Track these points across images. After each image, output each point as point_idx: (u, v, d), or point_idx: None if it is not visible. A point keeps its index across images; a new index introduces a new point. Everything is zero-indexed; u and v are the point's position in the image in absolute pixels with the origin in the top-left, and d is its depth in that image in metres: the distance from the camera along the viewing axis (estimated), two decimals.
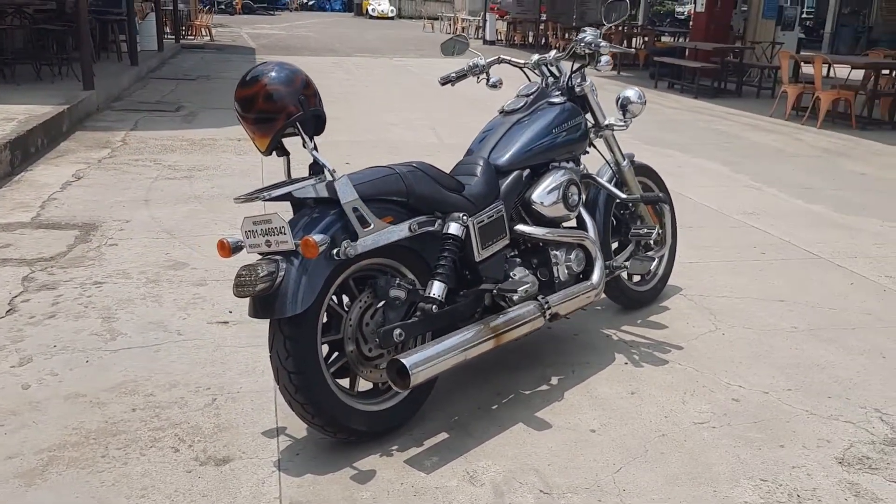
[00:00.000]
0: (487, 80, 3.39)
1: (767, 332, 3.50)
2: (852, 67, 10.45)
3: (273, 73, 2.31)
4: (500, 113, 3.21)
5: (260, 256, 2.38)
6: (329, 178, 2.39)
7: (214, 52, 17.60)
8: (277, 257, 2.32)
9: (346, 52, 19.08)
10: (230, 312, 3.55)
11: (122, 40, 13.01)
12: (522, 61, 3.38)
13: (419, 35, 28.52)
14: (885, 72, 10.12)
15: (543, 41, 21.83)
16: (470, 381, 2.97)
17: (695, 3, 16.15)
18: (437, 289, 2.56)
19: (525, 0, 25.22)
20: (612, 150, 3.43)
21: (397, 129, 8.56)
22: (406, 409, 2.64)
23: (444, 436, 2.63)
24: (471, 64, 3.35)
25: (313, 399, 2.37)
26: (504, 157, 2.96)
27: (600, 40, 3.13)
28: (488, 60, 3.37)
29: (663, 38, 19.62)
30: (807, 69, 11.65)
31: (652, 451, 2.56)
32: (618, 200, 3.37)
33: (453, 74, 3.38)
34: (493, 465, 2.46)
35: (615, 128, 3.35)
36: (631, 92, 3.34)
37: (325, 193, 2.39)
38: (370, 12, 41.54)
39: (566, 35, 20.75)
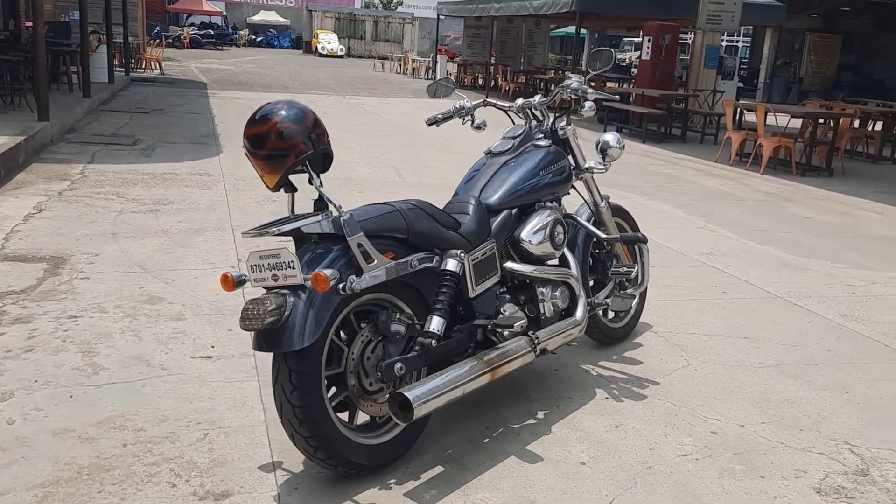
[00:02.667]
0: (472, 121, 3.50)
1: (736, 368, 3.65)
2: (791, 116, 10.95)
3: (284, 112, 2.37)
4: (487, 154, 3.32)
5: (265, 291, 2.42)
6: (335, 214, 2.44)
7: (165, 85, 17.46)
8: (284, 291, 2.35)
9: (299, 89, 19.14)
10: (212, 347, 3.54)
11: (73, 72, 12.85)
12: (507, 104, 3.51)
13: (370, 74, 28.78)
14: (822, 121, 10.64)
15: (493, 83, 22.26)
16: (460, 416, 3.02)
17: (641, 51, 16.76)
18: (436, 324, 2.63)
19: (475, 43, 25.73)
20: (591, 192, 3.57)
21: (359, 167, 8.63)
22: (403, 443, 2.68)
23: (440, 469, 2.67)
24: (457, 106, 3.46)
25: (317, 432, 2.39)
26: (494, 197, 3.07)
27: (587, 87, 3.29)
28: (474, 103, 3.48)
29: (609, 84, 20.25)
30: (749, 117, 12.17)
31: (641, 483, 2.64)
32: (596, 239, 3.50)
33: (440, 116, 3.48)
34: (490, 498, 2.51)
35: (595, 171, 3.49)
36: (610, 136, 3.49)
37: (330, 229, 2.44)
38: (319, 50, 41.73)
39: (515, 78, 21.27)
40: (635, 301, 3.60)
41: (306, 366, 2.36)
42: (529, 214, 3.16)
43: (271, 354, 2.40)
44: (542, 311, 3.11)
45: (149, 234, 5.23)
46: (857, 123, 11.88)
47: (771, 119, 10.25)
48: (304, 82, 21.99)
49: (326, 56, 41.53)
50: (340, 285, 2.38)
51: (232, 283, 2.46)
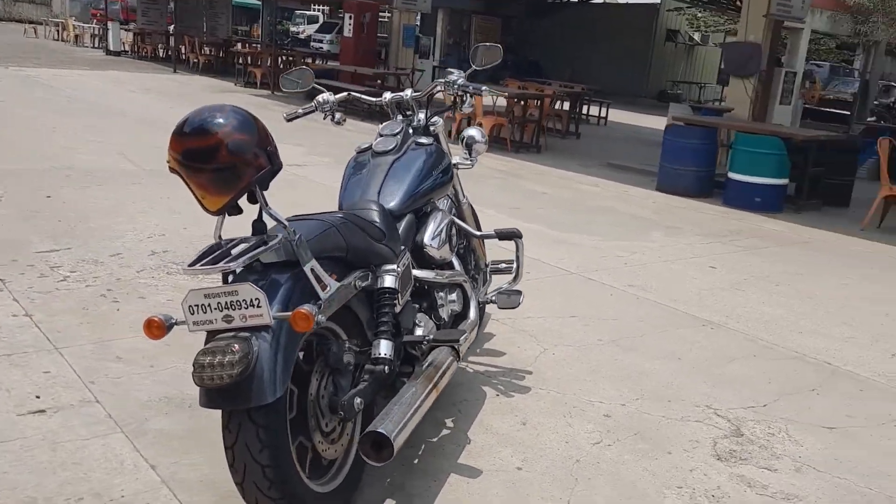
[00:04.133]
0: (333, 117, 3.24)
1: (584, 348, 3.88)
2: (507, 97, 11.78)
3: (228, 120, 1.97)
4: (361, 153, 3.09)
5: (205, 335, 2.02)
6: (285, 237, 2.11)
7: None
8: (245, 334, 1.99)
9: None
10: (38, 398, 2.89)
11: None
12: (374, 99, 3.29)
13: (23, 41, 25.14)
14: (524, 102, 11.62)
15: (178, 55, 20.73)
16: None
17: (342, 27, 16.78)
18: (385, 348, 2.41)
19: (151, 11, 23.73)
20: (455, 188, 3.51)
21: (79, 154, 7.54)
22: (354, 482, 2.44)
23: (391, 502, 2.48)
24: (320, 100, 3.17)
25: (288, 492, 2.07)
26: (395, 202, 2.87)
27: (482, 86, 3.20)
28: (338, 97, 3.22)
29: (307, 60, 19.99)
30: None
31: (581, 479, 2.70)
32: (475, 237, 3.46)
33: (300, 111, 3.16)
34: None
35: (461, 166, 3.43)
36: (475, 132, 3.44)
37: (284, 256, 2.11)
38: None
39: (203, 50, 20.04)
40: (521, 297, 3.61)
41: (274, 419, 2.03)
42: (425, 218, 3.02)
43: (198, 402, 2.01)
44: (442, 317, 3.01)
45: None
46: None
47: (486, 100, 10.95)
48: None
49: None
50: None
51: (162, 327, 2.03)
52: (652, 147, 13.20)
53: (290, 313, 1.98)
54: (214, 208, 2.00)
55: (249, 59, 17.86)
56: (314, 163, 8.53)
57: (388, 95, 3.26)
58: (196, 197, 2.00)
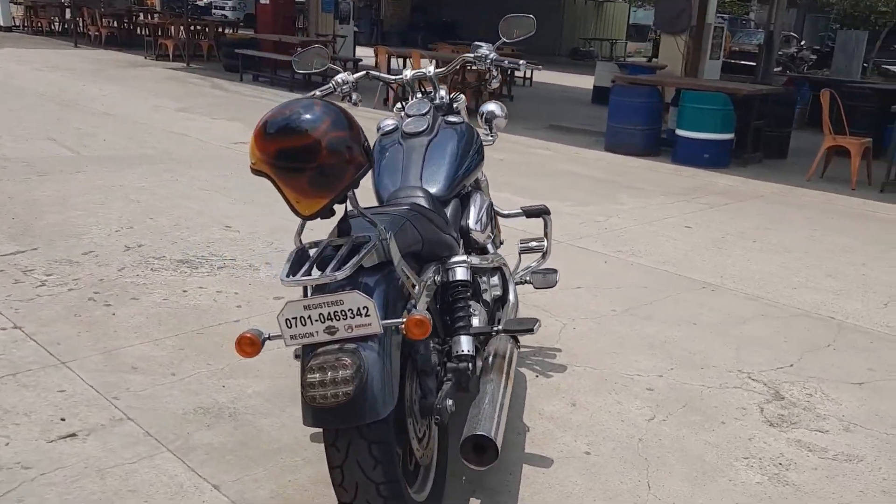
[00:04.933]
0: (351, 97, 3.04)
1: (602, 320, 3.85)
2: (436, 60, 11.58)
3: (326, 116, 1.79)
4: (386, 134, 2.92)
5: (300, 349, 1.87)
6: (381, 237, 1.95)
7: None
8: (352, 345, 1.83)
9: None
10: (63, 420, 2.64)
11: None
12: (394, 77, 3.11)
13: None
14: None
15: (77, 28, 19.47)
16: None
17: None
18: (466, 344, 2.30)
19: None
20: None
21: (4, 141, 6.99)
22: (441, 488, 2.32)
23: (476, 502, 2.38)
24: (339, 80, 2.97)
25: None
26: (440, 186, 2.72)
27: (519, 60, 3.04)
28: (356, 76, 3.02)
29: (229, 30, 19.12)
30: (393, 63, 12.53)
31: (651, 459, 2.67)
32: (501, 216, 3.35)
33: (318, 93, 2.95)
34: None
35: (484, 143, 3.29)
36: (494, 106, 3.30)
37: (380, 258, 1.95)
38: None
39: (105, 22, 18.90)
40: (557, 276, 3.50)
41: (386, 433, 1.89)
42: (466, 200, 2.89)
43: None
44: (487, 302, 2.90)
45: None
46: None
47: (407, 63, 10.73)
48: None
49: None
50: None
51: (258, 344, 1.86)
52: (584, 106, 13.34)
53: (402, 320, 1.84)
54: (310, 211, 1.83)
55: (159, 30, 16.96)
56: None
57: (408, 73, 3.08)
58: (288, 200, 1.82)
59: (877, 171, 7.90)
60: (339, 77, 3.00)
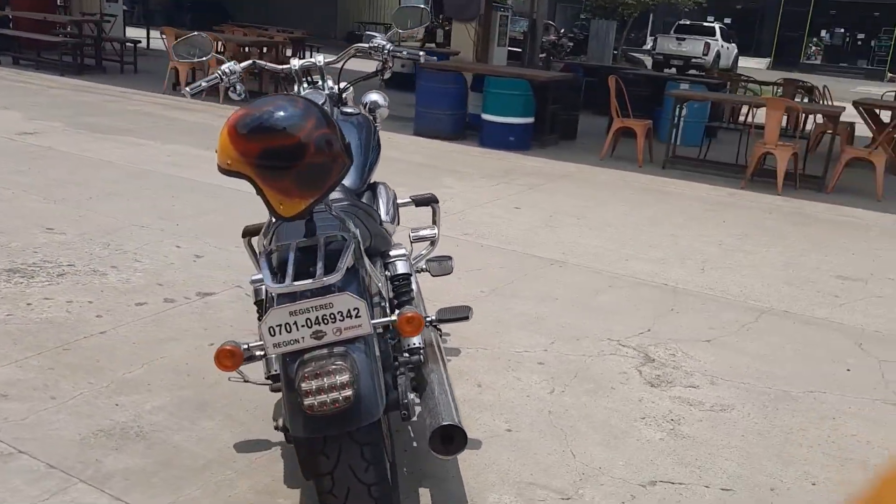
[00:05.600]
0: (235, 88, 2.89)
1: (475, 301, 3.98)
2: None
3: (310, 113, 1.72)
4: None
5: (282, 357, 1.80)
6: (353, 235, 1.91)
7: None
8: (340, 349, 1.79)
9: None
10: None
11: None
12: (281, 67, 2.98)
13: None
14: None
15: None
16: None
17: None
18: (417, 338, 2.30)
19: None
20: None
21: None
22: (395, 481, 2.32)
23: (425, 490, 2.42)
24: (227, 70, 2.81)
25: None
26: (353, 179, 2.67)
27: (419, 52, 3.00)
28: (243, 65, 2.87)
29: None
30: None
31: (566, 429, 2.85)
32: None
33: (204, 83, 2.78)
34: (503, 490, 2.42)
35: None
36: (377, 96, 3.27)
37: (355, 257, 1.91)
38: None
39: None
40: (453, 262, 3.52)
41: (377, 433, 1.88)
42: (372, 192, 2.86)
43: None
44: None
45: None
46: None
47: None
48: None
49: None
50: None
51: (237, 356, 1.77)
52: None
53: (393, 318, 1.83)
54: (294, 212, 1.76)
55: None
56: (45, 129, 7.40)
57: (296, 62, 2.98)
58: (269, 202, 1.74)
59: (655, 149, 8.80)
60: (226, 66, 2.84)
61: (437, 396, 2.23)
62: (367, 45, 2.99)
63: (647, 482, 2.55)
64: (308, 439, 1.84)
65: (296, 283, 1.75)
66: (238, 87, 2.88)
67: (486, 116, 8.81)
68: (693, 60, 25.31)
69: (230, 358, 1.77)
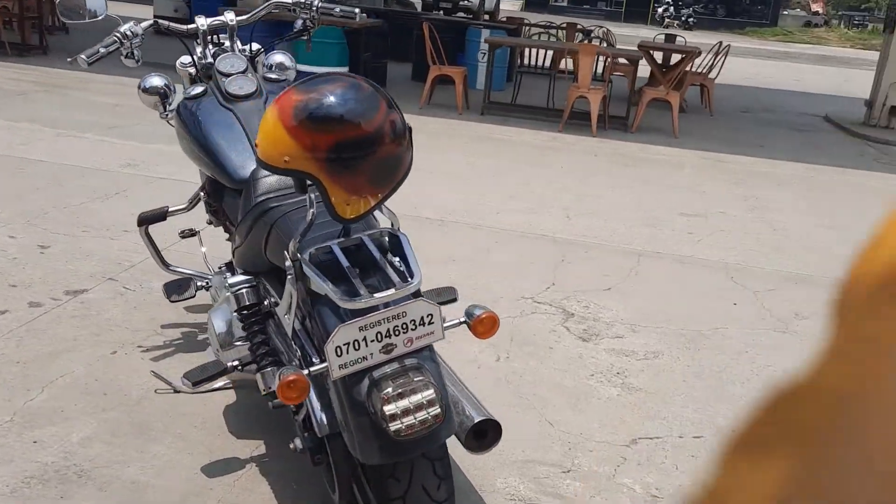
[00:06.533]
0: (134, 55, 2.45)
1: None
2: None
3: (381, 95, 1.48)
4: (195, 97, 2.43)
5: (347, 375, 1.58)
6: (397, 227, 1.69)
7: None
8: (412, 361, 1.59)
9: None
10: None
11: None
12: (185, 27, 2.55)
13: None
14: None
15: None
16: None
17: None
18: None
19: None
20: None
21: None
22: None
23: None
24: (128, 33, 2.36)
25: None
26: None
27: (355, 8, 2.65)
28: (143, 25, 2.43)
29: None
30: None
31: (529, 396, 2.81)
32: None
33: (102, 49, 2.32)
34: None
35: None
36: (283, 57, 2.93)
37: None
38: None
39: None
40: None
41: (445, 446, 1.70)
42: None
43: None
44: None
45: None
46: None
47: None
48: None
49: None
50: None
51: (304, 384, 1.52)
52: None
53: (464, 319, 1.65)
54: (360, 212, 1.53)
55: None
56: None
57: (203, 21, 2.57)
58: (332, 202, 1.47)
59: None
60: (126, 28, 2.40)
61: (454, 393, 2.09)
62: (289, 1, 2.65)
63: (629, 441, 2.60)
64: (377, 466, 1.63)
65: (377, 294, 1.52)
66: (136, 53, 2.46)
67: (301, 66, 8.33)
68: (462, 3, 25.85)
69: (296, 389, 1.50)
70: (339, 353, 1.52)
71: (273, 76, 2.61)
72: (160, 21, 2.53)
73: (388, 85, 9.76)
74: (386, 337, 1.55)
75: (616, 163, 6.77)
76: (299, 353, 1.69)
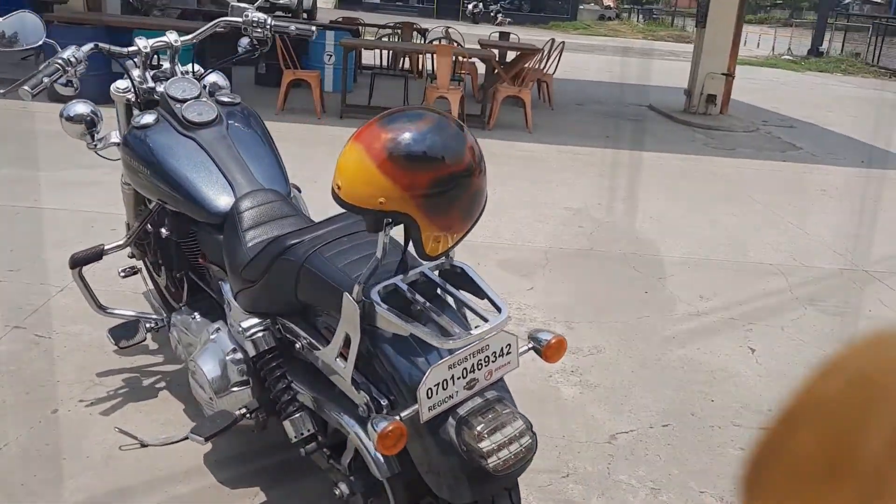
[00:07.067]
0: (72, 83, 2.22)
1: None
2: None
3: (463, 127, 1.43)
4: (142, 127, 2.24)
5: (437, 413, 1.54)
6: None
7: None
8: (492, 394, 1.57)
9: None
10: None
11: None
12: (127, 49, 2.32)
13: None
14: None
15: None
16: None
17: None
18: None
19: None
20: None
21: None
22: None
23: None
24: (70, 59, 2.13)
25: None
26: (281, 184, 2.29)
27: (311, 26, 2.47)
28: (85, 50, 2.20)
29: None
30: None
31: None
32: None
33: (45, 78, 2.08)
34: None
35: None
36: (217, 76, 2.72)
37: None
38: None
39: None
40: None
41: None
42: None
43: None
44: None
45: None
46: None
47: None
48: None
49: None
50: None
51: (402, 432, 1.46)
52: None
53: (532, 346, 1.64)
54: (445, 248, 1.48)
55: None
56: None
57: (146, 42, 2.36)
58: (422, 239, 1.41)
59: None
60: (69, 54, 2.16)
61: None
62: (240, 20, 2.49)
63: (609, 438, 2.69)
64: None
65: (473, 331, 1.47)
66: (74, 82, 2.23)
67: None
68: (279, 3, 25.29)
69: (393, 437, 1.43)
70: (429, 396, 1.47)
71: (226, 99, 2.45)
72: (101, 45, 2.29)
73: (234, 91, 9.37)
74: (470, 372, 1.52)
75: (490, 162, 6.90)
76: (367, 398, 1.61)
